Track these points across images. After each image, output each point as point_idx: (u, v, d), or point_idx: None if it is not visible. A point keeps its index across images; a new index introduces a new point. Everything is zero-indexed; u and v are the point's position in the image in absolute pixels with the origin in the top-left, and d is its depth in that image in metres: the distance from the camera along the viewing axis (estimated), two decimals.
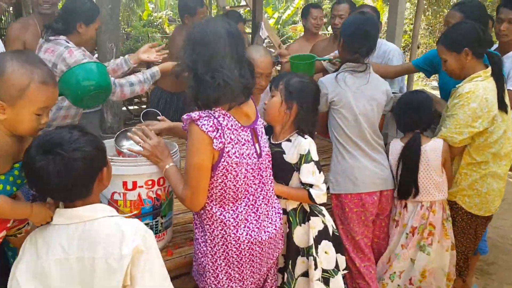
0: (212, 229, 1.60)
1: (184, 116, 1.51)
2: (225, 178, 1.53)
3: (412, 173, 2.25)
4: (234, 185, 1.56)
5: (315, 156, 1.86)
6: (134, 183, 1.70)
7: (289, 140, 1.89)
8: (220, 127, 1.47)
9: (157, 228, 1.81)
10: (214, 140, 1.46)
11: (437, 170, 2.24)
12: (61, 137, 1.19)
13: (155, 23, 15.18)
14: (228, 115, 1.52)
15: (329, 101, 2.22)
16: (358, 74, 2.23)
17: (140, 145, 1.69)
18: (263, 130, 1.75)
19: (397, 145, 2.34)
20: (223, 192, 1.56)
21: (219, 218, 1.57)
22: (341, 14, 3.26)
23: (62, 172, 1.15)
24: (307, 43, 3.74)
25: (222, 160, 1.50)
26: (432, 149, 2.24)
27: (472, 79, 2.15)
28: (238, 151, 1.53)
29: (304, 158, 1.84)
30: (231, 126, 1.52)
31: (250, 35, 7.99)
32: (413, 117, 2.31)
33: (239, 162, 1.53)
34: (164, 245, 1.88)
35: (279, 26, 15.76)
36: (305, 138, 1.86)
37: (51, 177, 1.14)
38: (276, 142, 1.91)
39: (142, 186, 1.71)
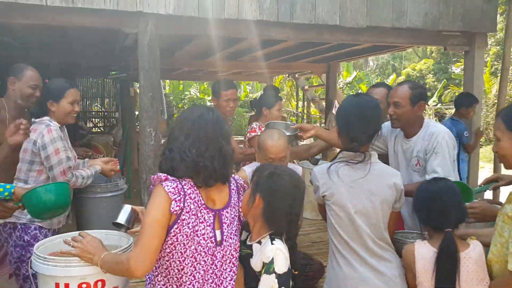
0: None
1: (153, 176, 1.55)
2: (173, 248, 1.48)
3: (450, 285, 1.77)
4: (180, 262, 1.49)
5: (280, 267, 1.54)
6: (66, 285, 1.63)
7: (259, 242, 1.65)
8: (182, 193, 1.49)
9: None
10: (173, 202, 1.46)
11: (481, 281, 1.75)
12: None
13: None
14: (195, 188, 1.53)
15: (320, 195, 1.95)
16: (356, 165, 1.90)
17: (71, 245, 1.66)
18: (235, 222, 1.65)
19: (424, 250, 1.84)
20: (168, 266, 1.50)
21: None
22: (377, 99, 2.96)
23: None
24: None
25: (176, 226, 1.47)
26: (475, 259, 1.77)
27: None
28: (193, 224, 1.50)
29: (266, 267, 1.55)
30: (194, 198, 1.52)
31: (324, 113, 8.03)
32: (438, 213, 1.85)
33: (191, 236, 1.48)
34: None
35: None
36: (273, 244, 1.58)
37: None
38: (249, 243, 1.69)
39: None
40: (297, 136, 3.12)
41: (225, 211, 1.61)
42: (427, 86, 18.03)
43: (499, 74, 5.09)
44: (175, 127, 1.61)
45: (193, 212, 1.51)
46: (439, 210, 1.86)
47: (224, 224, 1.59)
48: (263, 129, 3.82)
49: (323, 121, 8.18)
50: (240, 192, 1.73)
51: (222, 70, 7.67)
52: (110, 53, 5.61)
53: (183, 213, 1.48)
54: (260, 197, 1.63)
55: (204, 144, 1.54)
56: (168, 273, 1.51)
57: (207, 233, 1.53)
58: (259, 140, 2.39)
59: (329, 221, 1.95)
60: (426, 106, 3.13)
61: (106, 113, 11.25)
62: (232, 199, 1.66)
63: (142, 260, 1.45)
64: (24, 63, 2.90)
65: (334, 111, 7.44)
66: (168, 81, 16.23)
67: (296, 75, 9.10)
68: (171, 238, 1.47)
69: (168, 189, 1.47)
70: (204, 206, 1.55)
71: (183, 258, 1.49)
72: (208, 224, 1.54)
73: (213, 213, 1.57)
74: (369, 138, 1.93)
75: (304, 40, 4.54)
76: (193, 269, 1.50)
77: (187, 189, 1.52)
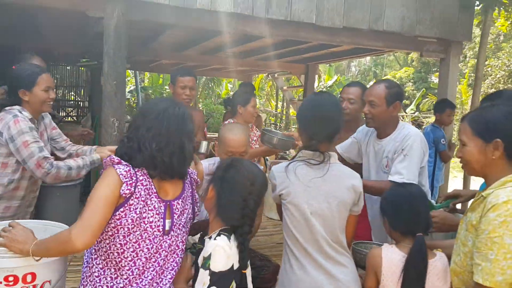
0: (85, 283, 1.50)
1: (106, 158, 1.51)
2: (116, 232, 1.45)
3: None
4: (121, 246, 1.46)
5: (216, 265, 1.47)
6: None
7: (210, 238, 1.58)
8: (134, 178, 1.46)
9: None
10: (124, 185, 1.43)
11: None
12: None
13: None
14: (147, 177, 1.51)
15: (277, 193, 1.87)
16: (315, 165, 1.82)
17: None
18: (185, 215, 1.62)
19: (392, 254, 1.79)
20: (108, 249, 1.46)
21: (94, 279, 1.48)
22: (351, 98, 2.87)
23: None
24: None
25: (122, 209, 1.44)
26: (441, 269, 1.77)
27: (505, 183, 1.49)
28: (140, 210, 1.46)
29: (203, 262, 1.50)
30: (146, 185, 1.49)
31: None
32: (410, 218, 1.81)
33: (137, 221, 1.45)
34: None
35: None
36: (215, 239, 1.52)
37: None
38: (204, 238, 1.62)
39: (1, 282, 1.51)
40: (294, 144, 3.05)
41: (176, 202, 1.58)
42: (406, 94, 18.27)
43: None
44: (138, 117, 1.58)
45: (143, 199, 1.47)
46: (410, 214, 1.83)
47: (174, 215, 1.57)
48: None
49: None
50: (193, 185, 1.72)
51: (200, 64, 7.52)
52: (82, 39, 5.40)
53: (132, 197, 1.45)
54: (213, 188, 1.62)
55: (165, 139, 1.50)
56: (107, 256, 1.47)
57: (155, 221, 1.50)
58: (219, 134, 2.36)
59: (284, 222, 1.87)
60: (404, 114, 3.12)
61: (79, 102, 10.95)
62: (185, 191, 1.63)
63: (83, 231, 1.39)
64: None
65: None
66: (148, 74, 15.97)
67: (276, 75, 9.03)
68: (115, 221, 1.44)
69: (120, 171, 1.45)
70: (155, 195, 1.52)
71: (124, 242, 1.45)
72: (157, 212, 1.51)
73: (164, 203, 1.54)
74: (328, 137, 1.86)
75: (279, 37, 4.46)
76: (135, 255, 1.47)
77: (140, 176, 1.49)
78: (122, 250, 1.46)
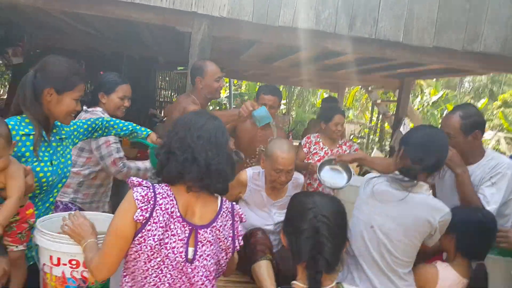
0: None
1: (128, 180, 1.50)
2: (137, 256, 1.43)
3: None
4: (144, 271, 1.43)
5: None
6: (59, 259, 1.71)
7: None
8: (152, 202, 1.41)
9: None
10: (138, 211, 1.39)
11: None
12: None
13: None
14: (171, 198, 1.45)
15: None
16: (397, 186, 1.85)
17: (63, 224, 1.72)
18: (216, 246, 1.51)
19: (450, 275, 1.82)
20: (133, 271, 1.46)
21: None
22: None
23: None
24: None
25: (139, 235, 1.40)
26: None
27: None
28: (160, 236, 1.41)
29: None
30: (166, 209, 1.43)
31: (392, 132, 7.58)
32: (480, 245, 1.87)
33: (156, 248, 1.41)
34: None
35: None
36: None
37: None
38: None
39: (66, 264, 1.71)
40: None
41: (203, 230, 1.49)
42: None
43: None
44: (179, 128, 1.51)
45: (162, 224, 1.42)
46: (482, 241, 1.89)
47: (199, 243, 1.47)
48: (318, 139, 3.73)
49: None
50: (236, 220, 1.59)
51: (289, 75, 7.59)
52: (179, 49, 5.82)
53: (149, 223, 1.40)
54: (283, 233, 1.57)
55: (216, 147, 1.49)
56: (134, 277, 1.47)
57: (178, 247, 1.44)
58: (267, 148, 2.34)
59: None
60: None
61: None
62: (219, 220, 1.53)
63: (100, 269, 1.46)
64: (102, 51, 3.12)
65: (402, 129, 7.00)
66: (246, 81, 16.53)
67: (369, 88, 8.71)
68: (136, 246, 1.42)
69: (136, 196, 1.41)
70: (179, 218, 1.46)
71: (146, 268, 1.43)
72: (180, 238, 1.45)
73: (189, 227, 1.47)
74: (431, 168, 1.90)
75: (363, 55, 4.31)
76: (158, 280, 1.44)
77: (160, 199, 1.43)
78: (145, 275, 1.43)
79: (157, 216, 1.41)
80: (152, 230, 1.40)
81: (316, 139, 3.82)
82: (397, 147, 7.04)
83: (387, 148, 11.44)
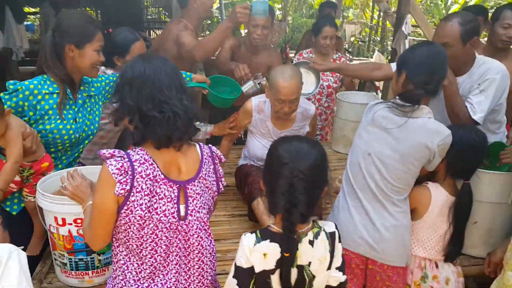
0: (115, 275, 1.47)
1: (99, 152, 1.38)
2: (128, 227, 1.38)
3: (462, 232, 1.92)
4: (138, 239, 1.39)
5: (237, 259, 1.37)
6: (63, 220, 1.72)
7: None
8: (130, 172, 1.32)
9: (94, 264, 1.81)
10: (118, 185, 1.30)
11: None
12: None
13: None
14: (149, 162, 1.35)
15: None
16: (398, 111, 1.78)
17: (62, 186, 1.68)
18: (205, 195, 1.48)
19: (440, 195, 1.88)
20: (127, 241, 1.41)
21: (122, 266, 1.43)
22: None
23: None
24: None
25: (125, 208, 1.33)
26: None
27: None
28: (147, 204, 1.35)
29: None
30: (147, 175, 1.34)
31: (393, 31, 7.19)
32: (468, 165, 1.91)
33: (145, 216, 1.35)
34: (104, 280, 1.87)
35: None
36: (245, 235, 1.41)
37: None
38: None
39: (71, 224, 1.73)
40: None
41: (191, 183, 1.44)
42: None
43: None
44: (139, 84, 1.36)
45: (147, 192, 1.34)
46: (474, 163, 1.92)
47: (189, 198, 1.44)
48: (311, 55, 3.53)
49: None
50: (216, 162, 1.55)
51: None
52: None
53: (132, 194, 1.32)
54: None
55: (183, 91, 1.39)
56: (127, 246, 1.42)
57: (168, 209, 1.40)
58: (270, 77, 2.20)
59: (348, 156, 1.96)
60: None
61: None
62: (203, 169, 1.47)
63: (94, 241, 1.45)
64: None
65: (404, 29, 6.65)
66: None
67: None
68: (124, 219, 1.35)
69: (111, 169, 1.31)
70: (164, 180, 1.38)
71: (140, 235, 1.38)
72: (169, 199, 1.39)
73: (177, 185, 1.41)
74: (436, 90, 1.81)
75: None
76: (154, 245, 1.41)
77: (138, 166, 1.33)
78: (140, 243, 1.39)
79: (139, 185, 1.33)
80: (138, 200, 1.33)
81: (308, 55, 3.57)
82: (398, 48, 6.75)
83: (389, 48, 11.04)
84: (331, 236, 1.40)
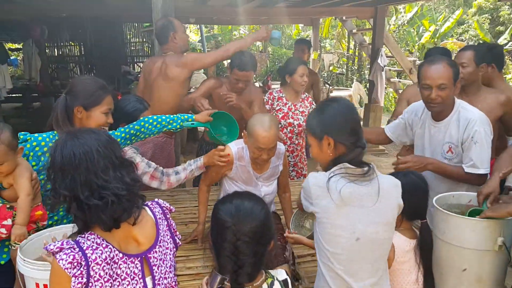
0: None
1: (46, 248, 1.26)
2: None
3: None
4: None
5: None
6: (45, 286, 1.59)
7: None
8: (83, 263, 1.21)
9: None
10: (73, 279, 1.20)
11: None
12: None
13: None
14: (103, 245, 1.25)
15: (313, 210, 1.64)
16: (363, 182, 1.61)
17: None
18: (168, 257, 1.39)
19: (402, 242, 1.87)
20: None
21: None
22: (463, 62, 2.64)
23: None
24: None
25: None
26: None
27: None
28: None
29: None
30: (104, 259, 1.24)
31: (370, 61, 7.51)
32: (421, 204, 1.93)
33: None
34: None
35: (435, 40, 14.26)
36: None
37: None
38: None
39: None
40: None
41: (153, 251, 1.34)
42: (501, 20, 16.09)
43: None
44: (72, 171, 1.23)
45: (106, 278, 1.24)
46: (423, 201, 1.93)
47: (153, 267, 1.34)
48: (281, 94, 3.68)
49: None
50: (168, 217, 1.45)
51: (259, 17, 7.32)
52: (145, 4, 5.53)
53: (90, 284, 1.22)
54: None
55: (123, 167, 1.29)
56: None
57: (134, 285, 1.30)
58: (248, 125, 2.23)
59: (318, 238, 1.66)
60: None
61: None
62: (160, 231, 1.39)
63: None
64: (59, 16, 2.87)
65: (380, 61, 6.95)
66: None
67: (344, 17, 8.48)
68: None
69: (63, 263, 1.19)
70: (122, 259, 1.28)
71: None
72: (132, 277, 1.29)
73: (138, 259, 1.31)
74: (364, 142, 1.68)
75: None
76: None
77: (92, 253, 1.22)
78: None
79: (96, 273, 1.22)
80: None
81: (279, 94, 3.66)
82: (376, 80, 6.99)
83: (367, 77, 11.42)
84: (284, 284, 1.41)
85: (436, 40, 14.21)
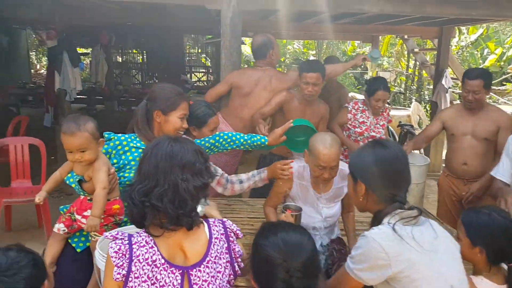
0: None
1: (104, 235, 1.42)
2: None
3: None
4: None
5: None
6: None
7: None
8: (127, 255, 1.25)
9: None
10: (115, 269, 1.24)
11: None
12: None
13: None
14: (149, 245, 1.27)
15: (394, 273, 1.40)
16: (416, 223, 1.49)
17: None
18: (217, 282, 1.32)
19: (487, 287, 1.70)
20: None
21: None
22: (475, 90, 3.04)
23: None
24: None
25: None
26: None
27: None
28: None
29: None
30: (145, 259, 1.26)
31: (433, 82, 7.24)
32: (510, 248, 1.70)
33: None
34: None
35: (501, 63, 13.55)
36: None
37: None
38: None
39: None
40: None
41: (196, 269, 1.30)
42: None
43: None
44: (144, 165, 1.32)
45: (144, 278, 1.24)
46: (510, 243, 1.69)
47: (194, 285, 1.28)
48: (365, 107, 3.69)
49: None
50: (231, 240, 1.39)
51: (320, 32, 7.31)
52: (207, 18, 5.71)
53: (130, 279, 1.23)
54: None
55: (154, 178, 1.28)
56: None
57: None
58: (310, 143, 2.20)
59: None
60: None
61: (209, 68, 11.68)
62: (212, 251, 1.33)
63: None
64: (125, 24, 3.06)
65: (444, 82, 6.68)
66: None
67: (406, 36, 8.27)
68: None
69: (111, 252, 1.25)
70: (165, 265, 1.27)
71: None
72: (171, 287, 1.27)
73: (179, 271, 1.28)
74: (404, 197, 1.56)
75: (402, 13, 4.07)
76: None
77: (137, 249, 1.26)
78: None
79: (137, 270, 1.24)
80: (135, 287, 1.24)
81: (363, 106, 3.72)
82: (439, 102, 6.75)
83: (427, 98, 11.02)
84: None
85: (502, 63, 13.51)
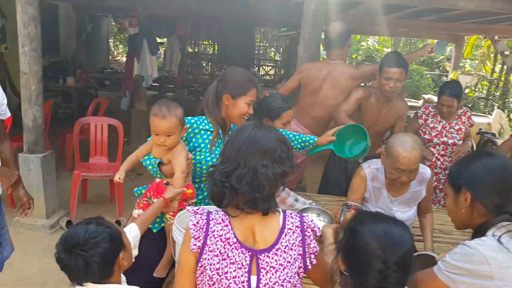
0: None
1: (187, 209, 1.49)
2: (201, 281, 1.34)
3: None
4: None
5: None
6: None
7: None
8: (204, 229, 1.33)
9: None
10: (192, 240, 1.33)
11: None
12: (77, 236, 1.33)
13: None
14: (225, 223, 1.34)
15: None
16: None
17: None
18: (286, 270, 1.32)
19: None
20: None
21: None
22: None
23: (83, 268, 1.32)
24: None
25: (199, 265, 1.32)
26: None
27: None
28: (217, 266, 1.31)
29: None
30: (219, 235, 1.32)
31: None
32: None
33: (215, 278, 1.30)
34: None
35: None
36: None
37: (76, 270, 1.33)
38: None
39: None
40: None
41: (265, 254, 1.32)
42: None
43: None
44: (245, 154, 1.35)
45: (217, 253, 1.31)
46: None
47: (262, 270, 1.31)
48: (437, 112, 3.43)
49: None
50: (307, 234, 1.38)
51: (399, 27, 6.95)
52: (284, 11, 5.62)
53: (204, 251, 1.32)
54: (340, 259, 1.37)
55: (235, 161, 1.32)
56: None
57: (238, 276, 1.30)
58: (388, 144, 2.09)
59: None
60: None
61: (278, 62, 11.62)
62: (283, 240, 1.35)
63: None
64: (200, 15, 3.09)
65: None
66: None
67: (496, 37, 7.62)
68: (197, 278, 1.36)
69: (190, 224, 1.35)
70: (237, 245, 1.32)
71: None
72: (239, 266, 1.31)
73: (249, 253, 1.32)
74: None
75: (501, 11, 3.69)
76: None
77: (213, 225, 1.34)
78: None
79: (212, 244, 1.32)
80: (209, 259, 1.31)
81: (434, 110, 3.49)
82: None
83: (511, 106, 10.13)
84: None
85: None
